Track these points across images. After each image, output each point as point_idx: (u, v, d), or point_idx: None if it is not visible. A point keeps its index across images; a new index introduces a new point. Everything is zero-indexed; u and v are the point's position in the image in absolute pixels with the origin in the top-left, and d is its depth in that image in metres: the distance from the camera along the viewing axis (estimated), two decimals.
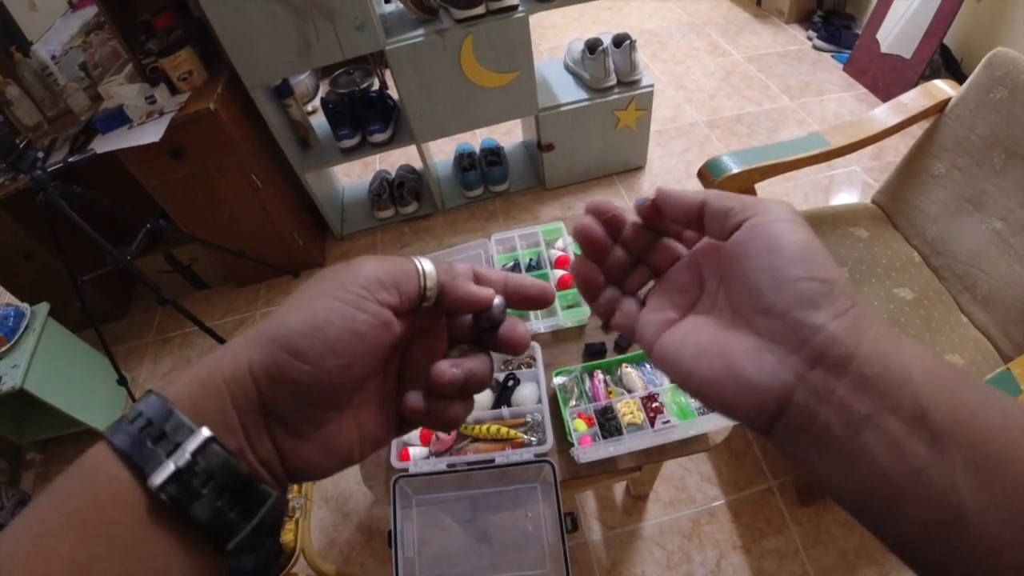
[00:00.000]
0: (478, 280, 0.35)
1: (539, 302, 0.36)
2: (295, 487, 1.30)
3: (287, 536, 1.22)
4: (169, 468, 0.24)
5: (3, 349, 1.69)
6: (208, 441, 0.25)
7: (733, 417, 0.30)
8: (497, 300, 0.34)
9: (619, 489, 1.67)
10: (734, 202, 0.32)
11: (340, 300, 0.28)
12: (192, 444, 0.25)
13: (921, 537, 0.24)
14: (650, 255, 0.38)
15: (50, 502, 0.24)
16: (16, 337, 1.70)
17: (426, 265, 0.32)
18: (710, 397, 0.31)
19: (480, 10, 1.93)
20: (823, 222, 1.58)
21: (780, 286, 0.28)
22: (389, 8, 2.15)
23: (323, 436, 0.30)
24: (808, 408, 0.27)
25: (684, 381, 0.32)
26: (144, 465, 0.24)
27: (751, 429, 0.30)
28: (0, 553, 0.23)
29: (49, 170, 1.41)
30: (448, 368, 0.32)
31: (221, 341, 1.93)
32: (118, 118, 1.79)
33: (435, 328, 0.35)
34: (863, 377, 0.26)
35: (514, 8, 1.95)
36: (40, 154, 1.41)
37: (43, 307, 1.82)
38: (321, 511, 1.76)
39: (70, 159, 1.49)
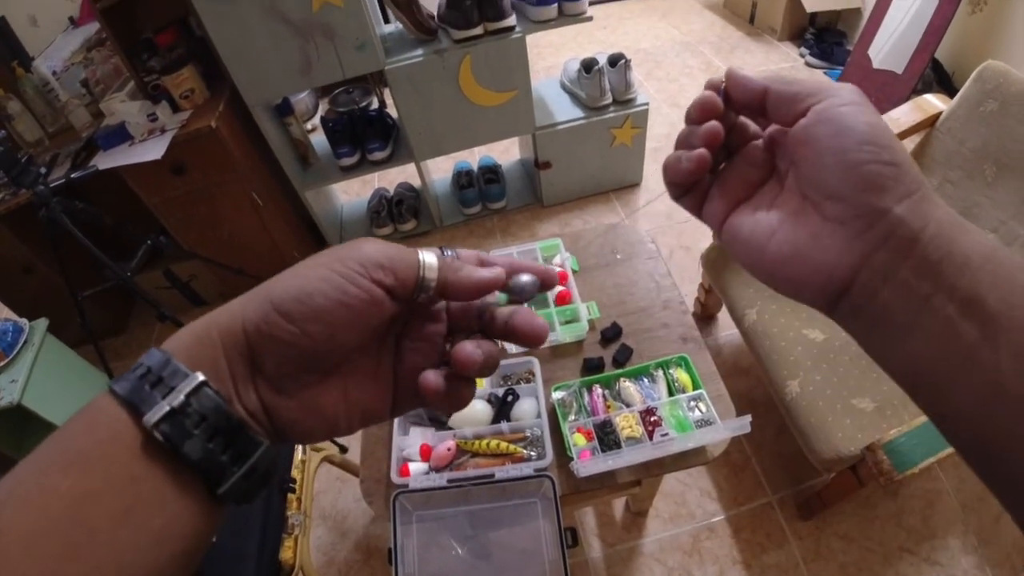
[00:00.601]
0: (482, 265, 0.36)
1: (544, 285, 0.36)
2: (294, 503, 1.29)
3: (286, 553, 1.22)
4: (164, 408, 0.26)
5: (1, 364, 1.69)
6: (201, 384, 0.27)
7: (799, 297, 0.31)
8: (527, 276, 0.35)
9: (619, 506, 1.66)
10: (799, 87, 0.32)
11: (334, 271, 0.29)
12: (186, 387, 0.26)
13: (965, 413, 0.26)
14: (728, 136, 0.36)
15: (54, 443, 0.25)
16: (15, 352, 1.70)
17: (428, 257, 0.32)
18: (777, 278, 0.32)
19: (478, 31, 1.96)
20: None
21: (847, 170, 0.29)
22: (389, 28, 2.18)
23: (305, 396, 0.31)
24: (871, 288, 0.28)
25: (752, 262, 0.33)
26: (140, 405, 0.26)
27: (816, 308, 0.31)
28: (3, 488, 0.24)
29: (51, 185, 1.42)
30: (474, 350, 0.32)
31: None
32: (120, 135, 1.81)
33: (434, 312, 0.36)
34: (926, 260, 0.27)
35: (512, 29, 1.99)
36: (43, 169, 1.42)
37: (42, 322, 1.82)
38: (319, 529, 1.74)
39: (72, 175, 1.50)
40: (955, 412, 0.27)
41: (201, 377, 0.27)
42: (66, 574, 0.22)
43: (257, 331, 0.28)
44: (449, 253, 0.35)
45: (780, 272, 0.32)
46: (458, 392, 0.33)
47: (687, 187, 0.37)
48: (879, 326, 0.28)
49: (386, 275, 0.30)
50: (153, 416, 0.25)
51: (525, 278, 0.35)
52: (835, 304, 0.30)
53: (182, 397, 0.26)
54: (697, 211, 0.37)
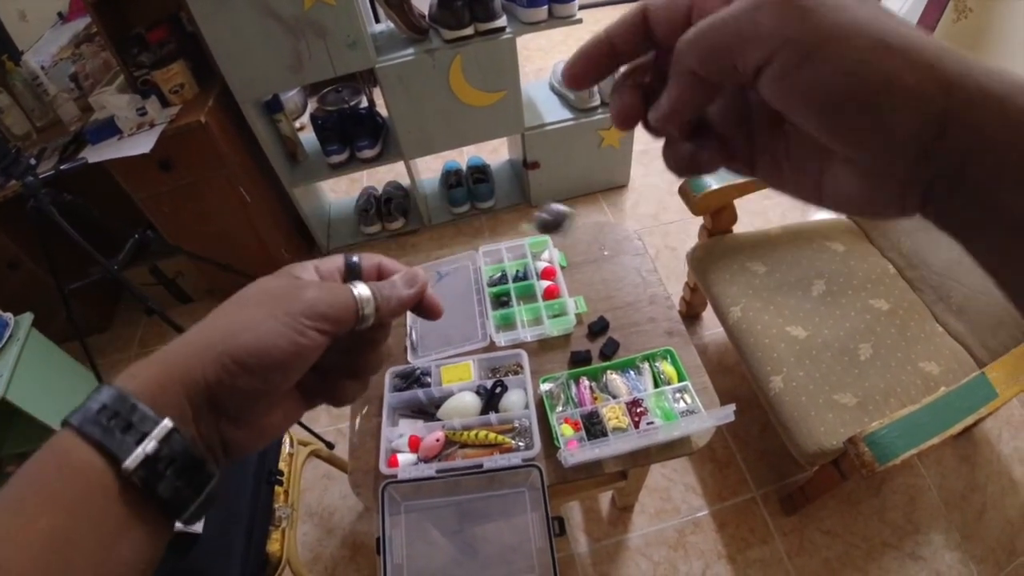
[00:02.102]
0: (384, 271, 0.40)
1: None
2: (282, 496, 1.29)
3: (273, 546, 1.22)
4: (140, 456, 0.28)
5: None
6: (171, 431, 0.29)
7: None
8: (557, 206, 0.40)
9: (604, 501, 1.67)
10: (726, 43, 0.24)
11: (286, 326, 0.32)
12: (158, 434, 0.28)
13: None
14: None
15: (23, 485, 0.27)
16: None
17: (363, 292, 0.35)
18: (847, 214, 0.30)
19: (469, 31, 1.97)
20: (800, 237, 1.63)
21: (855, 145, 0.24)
22: (380, 28, 2.19)
23: (259, 424, 0.35)
24: (947, 195, 0.24)
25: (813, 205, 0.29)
26: (117, 452, 0.28)
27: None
28: None
29: (41, 177, 1.41)
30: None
31: None
32: (109, 129, 1.80)
33: None
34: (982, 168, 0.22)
35: (502, 30, 2.01)
36: (32, 160, 1.41)
37: (26, 317, 1.80)
38: (305, 526, 1.74)
39: (62, 167, 1.50)
40: None
41: (171, 424, 0.29)
42: None
43: (220, 384, 0.31)
44: (355, 260, 0.39)
45: (847, 211, 0.28)
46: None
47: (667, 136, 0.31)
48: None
49: (331, 325, 0.33)
50: (132, 463, 0.27)
51: (556, 207, 0.41)
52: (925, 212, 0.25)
53: (155, 443, 0.28)
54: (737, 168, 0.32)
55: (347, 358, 0.39)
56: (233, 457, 0.34)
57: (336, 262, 0.39)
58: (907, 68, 0.21)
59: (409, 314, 1.35)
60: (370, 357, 0.40)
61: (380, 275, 0.40)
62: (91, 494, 0.27)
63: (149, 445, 0.28)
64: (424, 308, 0.40)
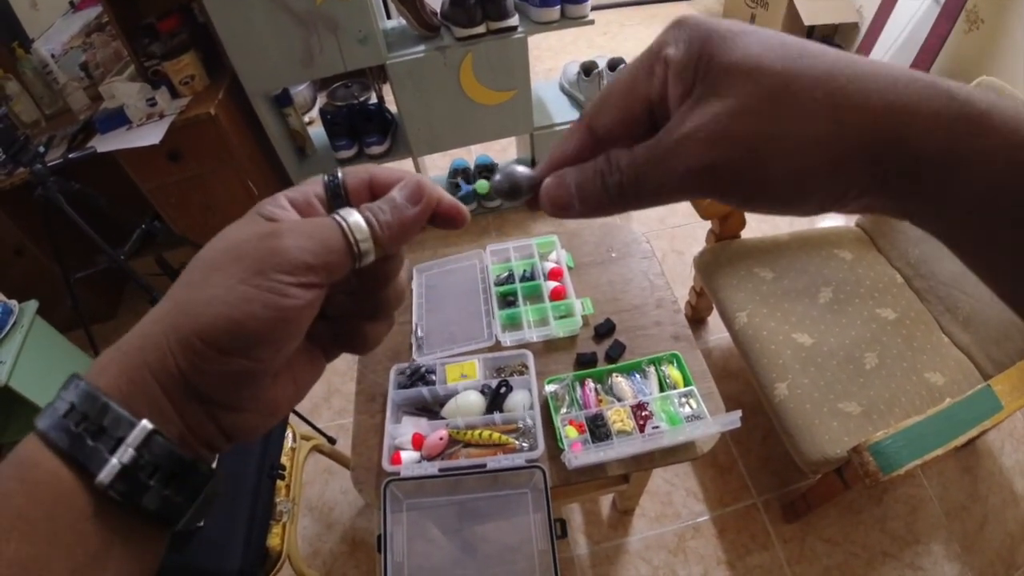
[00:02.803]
0: (377, 186, 0.30)
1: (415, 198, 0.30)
2: (283, 490, 1.29)
3: (274, 540, 1.22)
4: (116, 467, 0.24)
5: None
6: (151, 434, 0.25)
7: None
8: (521, 169, 0.30)
9: (605, 504, 1.67)
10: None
11: (261, 289, 0.25)
12: (135, 440, 0.24)
13: None
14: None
15: None
16: (3, 333, 1.68)
17: (355, 221, 0.28)
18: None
19: (481, 29, 1.97)
20: (809, 244, 1.62)
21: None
22: (391, 24, 2.19)
23: (264, 402, 0.29)
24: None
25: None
26: (88, 464, 0.24)
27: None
28: None
29: (49, 165, 1.41)
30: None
31: None
32: (118, 119, 1.81)
33: None
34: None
35: (514, 29, 2.00)
36: (41, 148, 1.42)
37: (31, 304, 1.80)
38: (305, 520, 1.74)
39: (70, 155, 1.50)
40: None
41: (150, 426, 0.24)
42: None
43: (196, 371, 0.25)
44: (338, 178, 0.30)
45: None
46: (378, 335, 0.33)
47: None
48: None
49: (319, 275, 0.26)
50: (106, 477, 0.24)
51: (520, 170, 0.31)
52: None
53: (132, 451, 0.24)
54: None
55: (358, 299, 0.32)
56: (240, 441, 0.29)
57: (314, 187, 0.30)
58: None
59: (415, 312, 1.36)
60: (385, 293, 0.32)
61: (374, 192, 0.30)
62: (62, 513, 0.23)
63: (126, 454, 0.24)
64: (442, 218, 0.30)
